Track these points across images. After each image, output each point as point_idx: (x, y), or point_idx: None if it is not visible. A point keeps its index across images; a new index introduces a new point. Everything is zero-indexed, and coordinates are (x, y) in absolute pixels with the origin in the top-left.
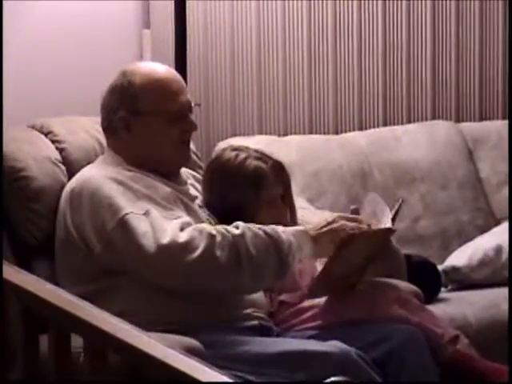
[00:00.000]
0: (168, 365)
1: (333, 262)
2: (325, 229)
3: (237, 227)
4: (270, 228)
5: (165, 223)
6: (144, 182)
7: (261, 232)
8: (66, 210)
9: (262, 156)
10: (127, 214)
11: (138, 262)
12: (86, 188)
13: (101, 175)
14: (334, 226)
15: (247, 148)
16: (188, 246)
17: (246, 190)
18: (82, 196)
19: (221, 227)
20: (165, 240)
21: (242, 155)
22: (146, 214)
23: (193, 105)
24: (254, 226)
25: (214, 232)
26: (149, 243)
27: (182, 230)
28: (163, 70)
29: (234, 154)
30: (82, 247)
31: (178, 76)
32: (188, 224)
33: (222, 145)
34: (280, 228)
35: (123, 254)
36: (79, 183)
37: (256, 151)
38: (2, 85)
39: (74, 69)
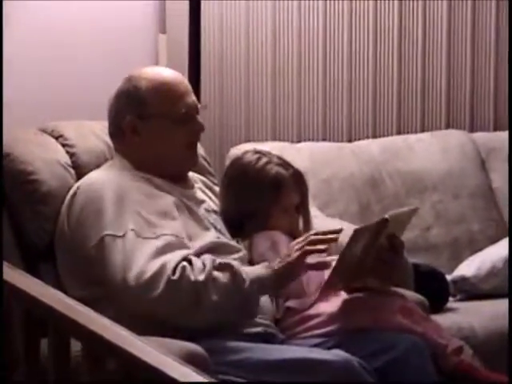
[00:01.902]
0: (162, 372)
1: (340, 260)
2: (282, 263)
3: (203, 268)
4: (235, 267)
5: (138, 250)
6: (145, 191)
7: (224, 276)
8: (64, 212)
9: (284, 163)
10: (106, 235)
11: (107, 285)
12: (83, 194)
13: (103, 181)
14: (291, 259)
15: (269, 153)
16: (150, 284)
17: (264, 194)
18: (77, 202)
19: (189, 263)
20: (131, 273)
21: (264, 159)
22: (124, 236)
23: (199, 106)
24: (219, 270)
25: (176, 275)
26: (116, 273)
27: (156, 255)
28: (168, 73)
29: (255, 157)
30: (75, 250)
31: (183, 78)
32: (164, 248)
33: (234, 151)
34: (243, 269)
35: (98, 271)
36: (80, 188)
37: (278, 157)
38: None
39: (89, 73)
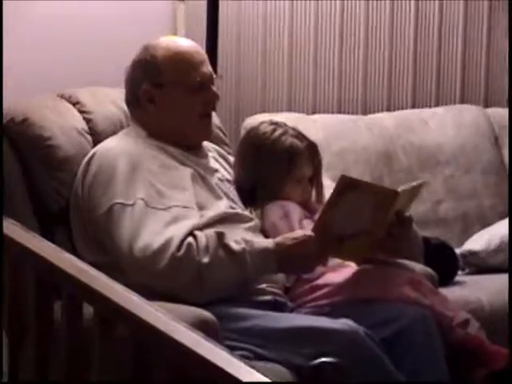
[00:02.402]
0: (171, 337)
1: (329, 207)
2: (294, 249)
3: (207, 248)
4: (239, 251)
5: (146, 220)
6: (159, 161)
7: (227, 258)
8: (79, 178)
9: (299, 134)
10: (116, 203)
11: (113, 254)
12: (97, 160)
13: (119, 149)
14: (303, 248)
15: (285, 124)
16: (155, 258)
17: (278, 164)
18: (91, 169)
19: (194, 238)
20: (137, 245)
21: (279, 131)
22: (134, 205)
23: (214, 76)
24: (223, 247)
25: (181, 252)
26: (123, 243)
27: (163, 228)
28: (184, 42)
29: (271, 128)
30: (87, 216)
31: (199, 48)
32: (173, 220)
33: (249, 121)
34: (247, 247)
35: (106, 239)
36: (95, 155)
37: (293, 129)
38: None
39: (108, 41)
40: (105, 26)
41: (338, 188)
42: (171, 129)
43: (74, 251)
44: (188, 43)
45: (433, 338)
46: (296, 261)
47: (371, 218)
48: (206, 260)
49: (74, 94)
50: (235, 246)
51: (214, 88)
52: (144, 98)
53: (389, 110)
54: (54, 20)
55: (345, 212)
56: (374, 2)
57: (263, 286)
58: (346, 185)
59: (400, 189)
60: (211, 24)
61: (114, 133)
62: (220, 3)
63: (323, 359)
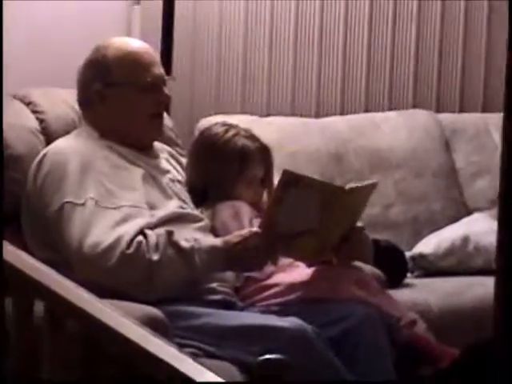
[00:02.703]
0: (120, 333)
1: (274, 203)
2: (241, 245)
3: (157, 246)
4: (188, 249)
5: (96, 219)
6: (110, 161)
7: (176, 256)
8: (30, 177)
9: (251, 136)
10: (66, 202)
11: (63, 251)
12: (49, 160)
13: (70, 149)
14: (250, 242)
15: (237, 126)
16: (104, 255)
17: (230, 164)
18: (42, 168)
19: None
20: (87, 242)
21: (231, 132)
22: (84, 204)
23: (167, 78)
24: (173, 246)
25: (130, 250)
26: (73, 241)
27: (113, 226)
28: (136, 43)
29: (223, 129)
30: (38, 215)
31: (150, 49)
32: (123, 219)
33: (203, 122)
34: (196, 245)
35: (57, 237)
36: (47, 155)
37: (246, 130)
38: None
39: (62, 42)
40: (60, 27)
41: (281, 183)
42: (122, 128)
43: (25, 249)
44: (139, 44)
45: (380, 337)
46: (243, 257)
47: (319, 215)
48: (155, 258)
49: (27, 94)
50: (184, 244)
51: (166, 89)
52: (95, 97)
53: (342, 113)
54: (8, 21)
55: (291, 209)
56: (328, 12)
57: (213, 285)
58: (289, 180)
59: (347, 186)
60: (166, 25)
61: (66, 133)
62: (175, 4)
63: (268, 356)
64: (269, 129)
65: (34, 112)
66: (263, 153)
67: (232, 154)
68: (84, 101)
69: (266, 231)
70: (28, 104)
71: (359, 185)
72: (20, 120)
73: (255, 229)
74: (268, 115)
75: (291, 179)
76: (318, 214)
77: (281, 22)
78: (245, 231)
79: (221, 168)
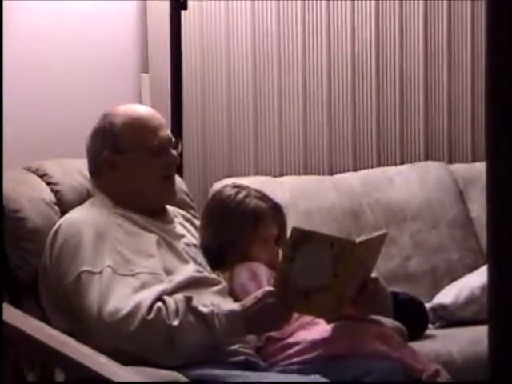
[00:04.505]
0: None
1: (285, 261)
2: (256, 306)
3: (177, 311)
4: (207, 314)
5: (115, 287)
6: (124, 229)
7: (196, 322)
8: (47, 248)
9: (262, 196)
10: (83, 271)
11: (84, 321)
12: (63, 231)
13: (84, 218)
14: (265, 302)
15: (248, 187)
16: (125, 321)
17: (243, 226)
18: (58, 239)
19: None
20: (107, 309)
21: (243, 193)
22: (101, 273)
23: (173, 140)
24: (192, 311)
25: (151, 316)
26: (92, 309)
27: (132, 293)
28: (141, 109)
29: (234, 191)
30: (56, 286)
31: (156, 113)
32: (141, 286)
33: (217, 185)
34: (215, 310)
35: (76, 307)
36: (62, 226)
37: (256, 191)
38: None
39: (74, 116)
40: (71, 99)
41: (291, 241)
42: (134, 194)
43: (43, 320)
44: (145, 109)
45: None
46: (259, 318)
47: (332, 270)
48: (175, 323)
49: (40, 166)
50: (204, 309)
51: (174, 151)
52: (105, 165)
53: (354, 169)
54: (20, 92)
55: (303, 266)
56: (336, 64)
57: (235, 346)
58: (299, 237)
59: (358, 239)
60: (175, 91)
61: (81, 203)
62: (184, 72)
63: None
64: (282, 188)
65: (49, 184)
66: (275, 212)
67: (245, 216)
68: (95, 169)
69: (279, 289)
70: (42, 176)
71: (370, 236)
72: (35, 192)
73: (268, 288)
74: (282, 175)
75: (301, 236)
76: (331, 269)
77: (290, 83)
78: (259, 292)
79: (235, 230)
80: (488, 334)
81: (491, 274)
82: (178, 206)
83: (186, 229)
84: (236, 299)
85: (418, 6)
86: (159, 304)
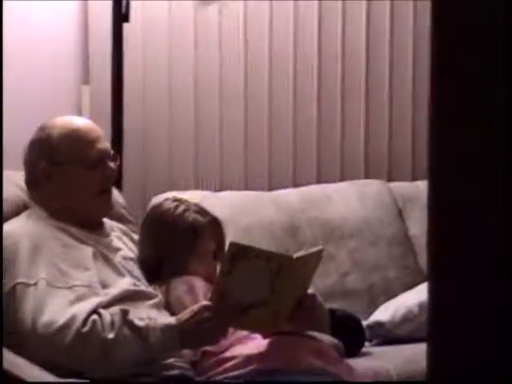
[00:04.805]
0: None
1: (222, 276)
2: (192, 320)
3: (112, 324)
4: (143, 327)
5: (49, 299)
6: (60, 241)
7: (132, 335)
8: None
9: (201, 210)
10: (18, 283)
11: (18, 333)
12: None
13: (20, 230)
14: (201, 316)
15: (187, 201)
16: (59, 334)
17: (182, 240)
18: None
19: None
20: (41, 321)
21: (182, 207)
22: (36, 284)
23: (112, 153)
24: (128, 324)
25: (85, 328)
26: (27, 321)
27: (67, 305)
28: (79, 121)
29: (174, 204)
30: None
31: (94, 125)
32: (76, 298)
33: (157, 199)
34: (151, 324)
35: (10, 318)
36: None
37: (195, 205)
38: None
39: (12, 125)
40: (9, 109)
41: (229, 255)
42: (70, 206)
43: None
44: (83, 121)
45: None
46: (195, 332)
47: (269, 285)
48: (110, 336)
49: None
50: (139, 323)
51: (113, 164)
52: (42, 177)
53: (294, 185)
54: None
55: (240, 280)
56: (278, 77)
57: (170, 360)
58: (237, 251)
59: (295, 255)
60: (116, 104)
61: (17, 214)
62: (125, 83)
63: None
64: (221, 203)
65: None
66: (214, 226)
67: (183, 229)
68: (31, 181)
69: (215, 304)
70: None
71: (307, 252)
72: None
73: (204, 302)
74: (222, 190)
75: (238, 251)
76: (268, 285)
77: (230, 98)
78: (195, 306)
79: (173, 243)
80: (427, 353)
81: (431, 292)
82: (116, 220)
83: (123, 242)
84: (172, 313)
85: (361, 17)
86: (94, 317)
